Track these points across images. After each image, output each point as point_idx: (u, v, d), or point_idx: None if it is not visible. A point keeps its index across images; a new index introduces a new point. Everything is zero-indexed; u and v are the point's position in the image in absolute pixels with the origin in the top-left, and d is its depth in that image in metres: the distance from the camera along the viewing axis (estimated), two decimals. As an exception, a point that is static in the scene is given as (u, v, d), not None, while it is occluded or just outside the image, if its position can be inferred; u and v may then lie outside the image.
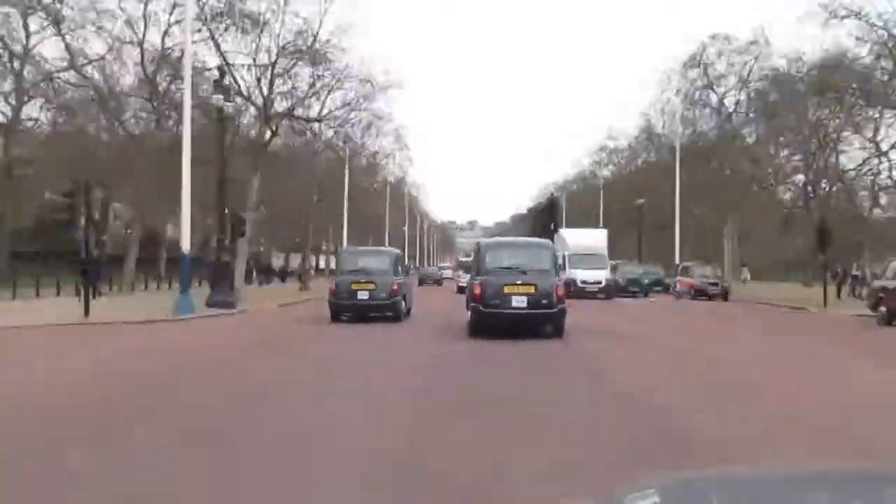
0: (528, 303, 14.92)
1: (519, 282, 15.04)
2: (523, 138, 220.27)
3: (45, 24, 36.86)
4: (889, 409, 8.44)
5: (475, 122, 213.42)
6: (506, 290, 14.98)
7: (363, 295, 19.37)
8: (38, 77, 37.74)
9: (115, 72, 38.44)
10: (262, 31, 30.48)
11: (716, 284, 35.30)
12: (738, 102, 47.49)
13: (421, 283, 53.41)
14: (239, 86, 30.85)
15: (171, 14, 36.43)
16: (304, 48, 31.22)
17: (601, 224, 51.40)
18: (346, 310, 19.67)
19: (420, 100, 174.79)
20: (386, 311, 19.61)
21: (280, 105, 32.31)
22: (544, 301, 14.94)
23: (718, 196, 44.36)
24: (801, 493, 1.87)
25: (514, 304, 14.93)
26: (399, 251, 24.48)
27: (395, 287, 19.72)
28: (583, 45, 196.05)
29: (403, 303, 20.20)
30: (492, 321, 15.14)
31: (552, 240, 28.86)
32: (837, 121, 40.53)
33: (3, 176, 37.01)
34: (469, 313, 15.64)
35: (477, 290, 15.17)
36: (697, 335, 18.12)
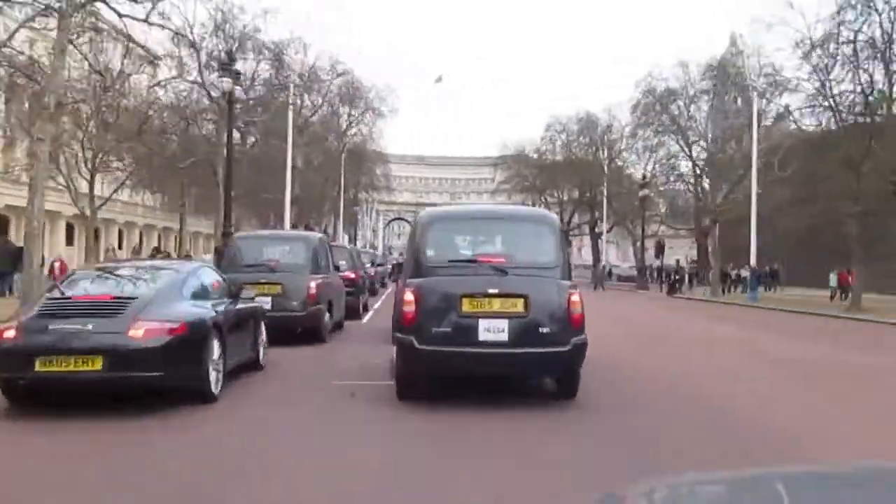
0: (512, 334, 7.27)
1: (494, 290, 7.42)
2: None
3: None
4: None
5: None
6: (465, 305, 7.38)
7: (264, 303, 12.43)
8: None
9: None
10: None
11: None
12: None
13: None
14: None
15: None
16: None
17: None
18: None
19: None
20: (298, 325, 12.96)
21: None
22: (544, 329, 7.32)
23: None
24: (804, 493, 1.84)
25: (483, 336, 7.28)
26: (322, 236, 16.85)
27: (314, 290, 12.88)
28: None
29: (328, 315, 13.62)
30: (441, 369, 7.54)
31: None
32: None
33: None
34: (395, 351, 7.99)
35: (409, 308, 7.49)
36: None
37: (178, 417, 7.51)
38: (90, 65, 21.19)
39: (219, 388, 8.57)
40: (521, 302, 7.34)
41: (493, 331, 7.28)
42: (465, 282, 7.47)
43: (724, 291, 42.80)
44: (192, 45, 26.13)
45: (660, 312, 27.49)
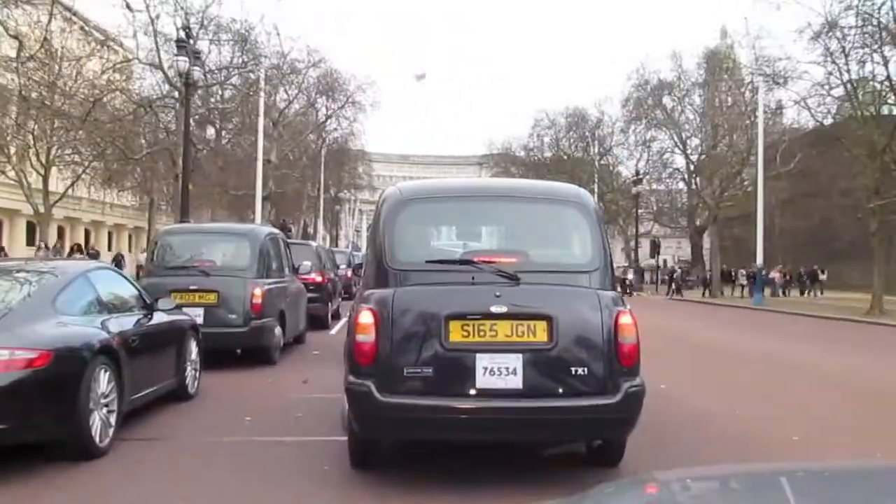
0: (528, 377, 4.75)
1: (499, 308, 4.69)
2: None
3: None
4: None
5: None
6: (454, 332, 4.80)
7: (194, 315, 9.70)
8: None
9: None
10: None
11: None
12: None
13: None
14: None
15: None
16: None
17: None
18: None
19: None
20: (238, 344, 10.50)
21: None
22: (579, 370, 4.83)
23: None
24: (804, 492, 1.80)
25: (484, 381, 4.73)
26: (272, 230, 13.14)
27: (258, 299, 10.36)
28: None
29: (279, 328, 11.03)
30: (415, 433, 4.99)
31: None
32: None
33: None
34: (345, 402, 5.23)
35: (366, 337, 4.89)
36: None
37: (29, 490, 5.00)
38: (4, 29, 18.59)
39: (109, 436, 6.10)
40: (542, 326, 4.74)
41: (498, 372, 4.67)
42: (455, 295, 4.89)
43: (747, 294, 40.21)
44: (128, 5, 23.35)
45: (687, 321, 24.18)
